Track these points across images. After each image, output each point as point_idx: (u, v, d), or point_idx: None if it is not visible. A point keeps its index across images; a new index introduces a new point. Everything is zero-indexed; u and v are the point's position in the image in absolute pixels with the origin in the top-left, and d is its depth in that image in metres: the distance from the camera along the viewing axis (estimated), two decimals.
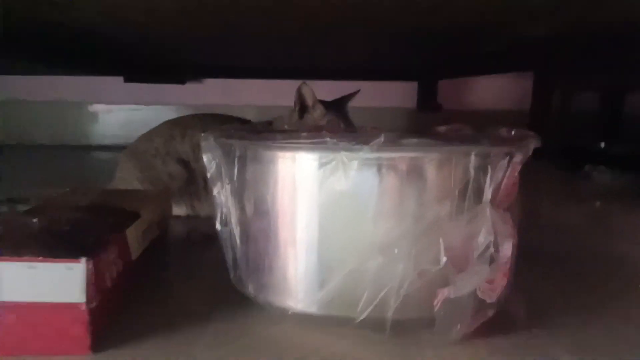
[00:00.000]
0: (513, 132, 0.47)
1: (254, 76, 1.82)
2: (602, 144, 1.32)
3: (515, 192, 0.44)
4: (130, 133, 0.93)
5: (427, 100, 1.91)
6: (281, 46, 1.21)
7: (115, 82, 1.78)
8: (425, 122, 1.86)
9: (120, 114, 1.93)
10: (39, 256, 0.40)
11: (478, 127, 0.52)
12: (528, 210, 1.03)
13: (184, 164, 0.81)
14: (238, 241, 0.45)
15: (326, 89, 0.94)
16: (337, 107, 0.80)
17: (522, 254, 0.66)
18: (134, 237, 0.51)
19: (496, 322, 0.44)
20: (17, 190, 0.88)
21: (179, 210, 0.81)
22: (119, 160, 0.86)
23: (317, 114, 0.77)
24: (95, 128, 1.94)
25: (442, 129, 0.55)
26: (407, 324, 0.40)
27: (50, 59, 1.26)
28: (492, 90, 1.92)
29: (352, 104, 0.89)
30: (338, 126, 0.77)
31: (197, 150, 0.79)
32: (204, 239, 0.72)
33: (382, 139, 0.38)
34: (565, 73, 1.53)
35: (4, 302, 0.39)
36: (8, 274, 0.39)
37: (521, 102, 1.81)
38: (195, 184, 0.81)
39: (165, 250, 0.67)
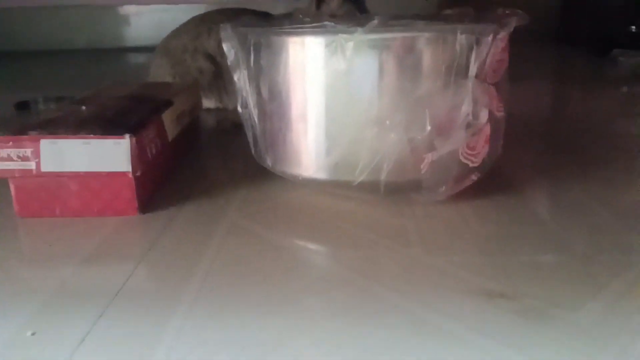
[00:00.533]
0: (507, 12, 0.51)
1: None
2: (633, 28, 1.29)
3: (503, 68, 0.49)
4: (162, 33, 0.99)
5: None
6: None
7: None
8: (446, 5, 1.83)
9: (152, 15, 1.96)
10: (91, 135, 0.48)
11: (480, 8, 0.55)
12: (544, 93, 1.07)
13: (212, 59, 0.87)
14: (256, 120, 0.52)
15: None
16: None
17: (527, 128, 0.72)
18: (169, 120, 0.59)
19: (482, 184, 0.51)
20: (60, 91, 0.97)
21: (208, 103, 0.88)
22: (151, 58, 0.93)
23: (333, 4, 0.80)
24: (127, 30, 1.99)
25: (447, 12, 0.59)
26: (398, 186, 0.47)
27: None
28: None
29: None
30: (354, 15, 0.80)
31: (222, 46, 0.85)
32: (232, 126, 0.79)
33: (375, 21, 0.42)
34: None
35: (67, 172, 0.48)
36: (68, 149, 0.48)
37: None
38: (222, 77, 0.87)
39: (198, 137, 0.75)
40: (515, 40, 0.50)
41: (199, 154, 0.70)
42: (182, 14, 1.84)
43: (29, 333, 0.33)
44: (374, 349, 0.31)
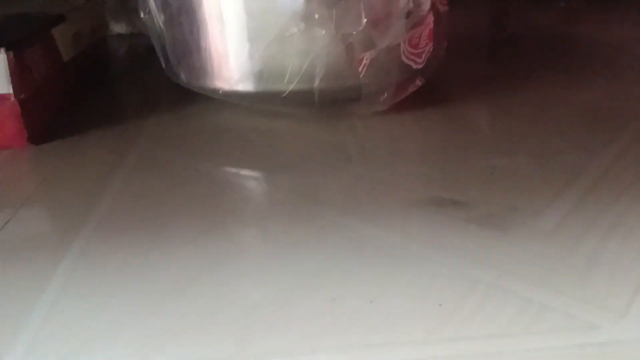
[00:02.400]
0: None
1: None
2: None
3: None
4: None
5: None
6: None
7: None
8: None
9: None
10: None
11: None
12: (479, 6, 1.02)
13: None
14: (163, 27, 0.44)
15: None
16: None
17: (468, 42, 0.67)
18: (62, 38, 0.49)
19: (424, 95, 0.46)
20: None
21: (118, 27, 0.78)
22: None
23: None
24: None
25: None
26: (334, 96, 0.41)
27: None
28: None
29: None
30: None
31: None
32: (147, 51, 0.70)
33: None
34: None
35: None
36: None
37: None
38: None
39: (105, 64, 0.66)
40: None
41: (106, 82, 0.61)
42: None
43: None
44: (312, 273, 0.26)
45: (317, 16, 0.37)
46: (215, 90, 0.43)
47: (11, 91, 0.40)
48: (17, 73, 0.40)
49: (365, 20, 0.37)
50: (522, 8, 1.01)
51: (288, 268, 0.27)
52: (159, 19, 0.43)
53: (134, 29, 0.79)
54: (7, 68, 0.39)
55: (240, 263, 0.27)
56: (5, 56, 0.39)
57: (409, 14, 0.38)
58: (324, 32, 0.38)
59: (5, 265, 0.28)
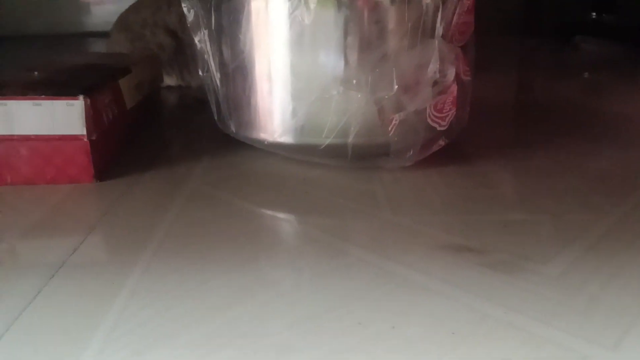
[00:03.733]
0: None
1: None
2: (593, 15, 1.32)
3: (469, 31, 0.48)
4: None
5: None
6: None
7: None
8: None
9: (112, 1, 1.90)
10: (42, 96, 0.45)
11: None
12: (508, 80, 1.08)
13: (172, 34, 0.84)
14: (218, 84, 0.50)
15: None
16: None
17: (492, 107, 0.72)
18: (127, 88, 0.56)
19: (449, 153, 0.50)
20: None
21: (169, 80, 0.86)
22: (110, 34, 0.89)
23: None
24: (87, 16, 1.93)
25: None
26: (366, 150, 0.46)
27: None
28: None
29: None
30: None
31: (184, 20, 0.82)
32: (195, 102, 0.77)
33: None
34: None
35: (17, 136, 0.45)
36: (17, 111, 0.45)
37: None
38: (184, 54, 0.84)
39: (159, 110, 0.72)
40: (481, 32, 0.50)
41: (160, 127, 0.67)
42: None
43: None
44: (339, 300, 0.30)
45: (354, 81, 0.43)
46: (260, 141, 0.48)
47: (84, 132, 0.46)
48: (91, 117, 0.46)
49: (396, 86, 0.42)
50: (548, 77, 1.06)
51: (318, 295, 0.31)
52: (216, 77, 0.49)
53: (183, 82, 0.87)
54: (83, 112, 0.45)
55: (276, 289, 0.31)
56: (83, 102, 0.45)
57: (435, 83, 0.43)
58: (359, 95, 0.43)
59: (78, 281, 0.33)
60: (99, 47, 1.63)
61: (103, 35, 1.75)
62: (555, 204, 0.43)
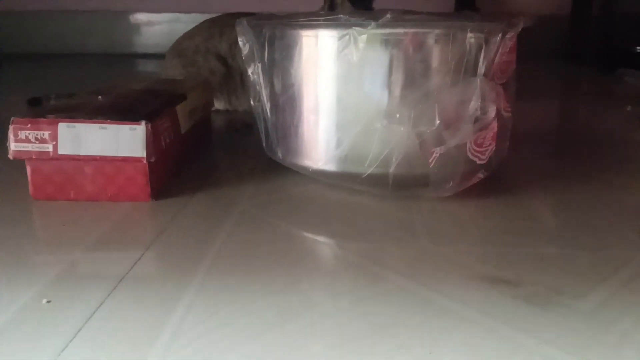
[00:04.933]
0: (514, 15, 0.52)
1: None
2: (638, 48, 1.31)
3: (511, 69, 0.50)
4: (172, 41, 1.00)
5: (465, 4, 1.88)
6: None
7: None
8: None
9: (162, 23, 1.99)
10: (107, 120, 0.49)
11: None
12: (551, 108, 1.08)
13: (223, 60, 0.88)
14: (268, 113, 0.53)
15: None
16: (364, 2, 0.85)
17: (534, 137, 0.73)
18: (182, 113, 0.60)
19: (487, 185, 0.52)
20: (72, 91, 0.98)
21: (218, 104, 0.90)
22: (164, 60, 0.95)
23: (345, 10, 0.82)
24: (138, 37, 2.02)
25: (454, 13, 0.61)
26: (406, 180, 0.48)
27: None
28: None
29: (393, 6, 0.93)
30: None
31: (233, 48, 0.87)
32: (242, 126, 0.81)
33: (388, 16, 0.44)
34: None
35: (83, 156, 0.49)
36: (85, 133, 0.49)
37: (562, 6, 1.77)
38: (232, 79, 0.89)
39: (209, 134, 0.76)
40: (525, 58, 0.51)
41: (210, 150, 0.71)
42: (192, 23, 1.88)
43: (44, 301, 0.34)
44: (378, 326, 0.32)
45: (398, 115, 0.45)
46: (306, 168, 0.51)
47: (144, 155, 0.49)
48: (151, 141, 0.49)
49: (438, 122, 0.44)
50: (591, 107, 1.06)
51: (359, 319, 0.33)
52: (266, 106, 0.53)
53: (231, 106, 0.91)
54: (144, 137, 0.49)
55: (319, 311, 0.34)
56: (145, 127, 0.49)
57: (476, 120, 0.45)
58: (402, 129, 0.45)
59: (138, 294, 0.36)
60: (148, 66, 1.70)
61: (151, 56, 1.83)
62: (591, 239, 0.44)
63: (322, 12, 0.82)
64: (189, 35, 0.93)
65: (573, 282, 0.37)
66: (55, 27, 1.98)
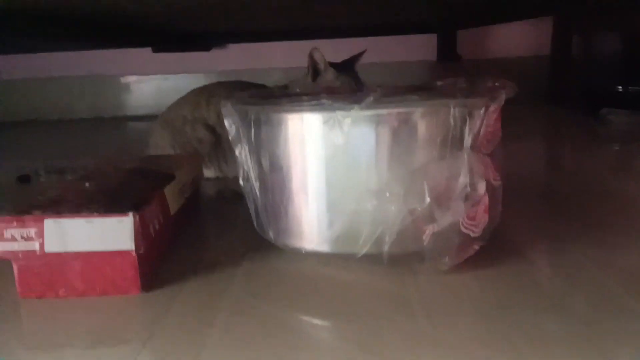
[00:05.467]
0: (497, 84, 0.52)
1: (275, 39, 1.87)
2: (619, 88, 1.33)
3: (497, 138, 0.50)
4: (162, 102, 1.01)
5: (447, 52, 1.93)
6: (299, 5, 1.25)
7: (144, 54, 1.86)
8: (445, 74, 1.89)
9: (152, 84, 2.02)
10: (94, 213, 0.49)
11: (471, 79, 0.57)
12: (538, 152, 1.08)
13: (211, 129, 0.89)
14: (258, 194, 0.53)
15: (349, 46, 1.00)
16: (347, 68, 0.86)
17: (523, 192, 0.73)
18: (171, 195, 0.59)
19: (483, 254, 0.51)
20: (64, 159, 0.98)
21: (208, 172, 0.90)
22: (151, 128, 0.95)
23: (329, 76, 0.83)
24: (128, 99, 2.04)
25: (439, 83, 0.61)
26: (401, 257, 0.48)
27: (82, 34, 1.33)
28: (511, 38, 1.92)
29: (375, 60, 0.94)
30: (350, 87, 0.83)
31: (221, 116, 0.87)
32: (233, 194, 0.80)
33: (371, 98, 0.44)
34: (585, 16, 1.52)
35: (70, 252, 0.48)
36: (72, 229, 0.48)
37: (541, 48, 1.81)
38: (221, 147, 0.89)
39: (199, 207, 0.76)
40: (507, 101, 0.51)
41: (200, 224, 0.70)
42: (181, 83, 1.91)
43: None
44: None
45: (388, 194, 0.45)
46: (298, 249, 0.50)
47: (133, 248, 0.48)
48: (139, 232, 0.49)
49: (428, 199, 0.44)
50: (578, 153, 1.07)
51: None
52: (255, 186, 0.52)
53: (221, 173, 0.91)
54: (132, 228, 0.48)
55: None
56: (132, 219, 0.48)
57: (467, 197, 0.44)
58: (393, 208, 0.45)
59: None
60: (138, 128, 1.71)
61: (141, 118, 1.84)
62: (589, 310, 0.43)
63: (304, 85, 0.83)
64: (176, 105, 0.93)
65: None
66: (44, 95, 2.00)
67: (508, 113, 0.52)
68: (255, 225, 0.55)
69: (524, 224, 0.65)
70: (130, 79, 2.03)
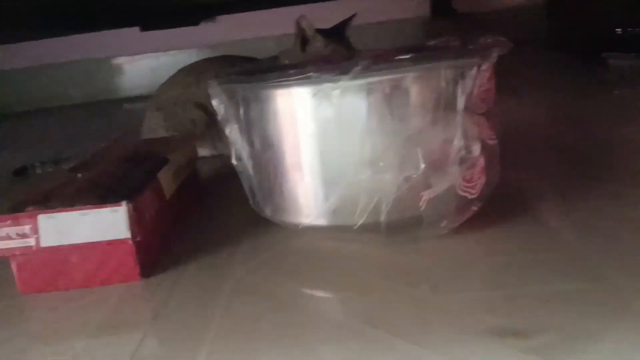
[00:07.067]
0: (489, 40, 0.51)
1: (264, 7, 1.83)
2: (618, 30, 1.30)
3: (491, 97, 0.49)
4: (155, 80, 0.99)
5: (441, 7, 1.88)
6: None
7: (133, 34, 1.82)
8: (440, 30, 1.84)
9: (143, 64, 1.99)
10: (88, 205, 0.48)
11: (465, 36, 0.55)
12: (539, 99, 1.06)
13: (203, 108, 0.87)
14: (252, 172, 0.52)
15: (342, 9, 0.97)
16: (337, 34, 0.84)
17: (525, 146, 0.70)
18: (165, 179, 0.58)
19: (484, 215, 0.50)
20: (61, 149, 0.98)
21: (203, 151, 0.89)
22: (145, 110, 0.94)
23: (318, 44, 0.81)
24: (121, 81, 2.01)
25: (431, 43, 0.59)
26: (399, 225, 0.47)
27: (69, 13, 1.30)
28: None
29: (367, 20, 0.91)
30: (340, 53, 0.81)
31: None
32: (229, 172, 0.79)
33: (359, 67, 0.43)
34: None
35: (67, 245, 0.48)
36: (66, 222, 0.48)
37: None
38: (215, 125, 0.87)
39: (197, 187, 0.75)
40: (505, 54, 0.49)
41: (198, 205, 0.69)
42: (172, 60, 1.88)
43: None
44: None
45: (382, 164, 0.44)
46: (295, 225, 0.50)
47: (129, 236, 0.48)
48: (134, 220, 0.48)
49: (423, 165, 0.43)
50: (580, 99, 1.04)
51: None
52: (249, 165, 0.51)
53: (216, 151, 0.90)
54: (127, 217, 0.48)
55: None
56: (126, 208, 0.48)
57: (462, 161, 0.43)
58: (388, 177, 0.44)
59: None
60: (133, 109, 1.70)
61: (135, 99, 1.82)
62: (604, 269, 0.42)
63: (294, 55, 0.81)
64: (166, 86, 0.91)
65: (589, 323, 0.36)
66: (37, 83, 1.97)
67: (507, 59, 0.49)
68: (251, 203, 0.55)
69: (527, 181, 0.63)
70: (122, 59, 2.00)
